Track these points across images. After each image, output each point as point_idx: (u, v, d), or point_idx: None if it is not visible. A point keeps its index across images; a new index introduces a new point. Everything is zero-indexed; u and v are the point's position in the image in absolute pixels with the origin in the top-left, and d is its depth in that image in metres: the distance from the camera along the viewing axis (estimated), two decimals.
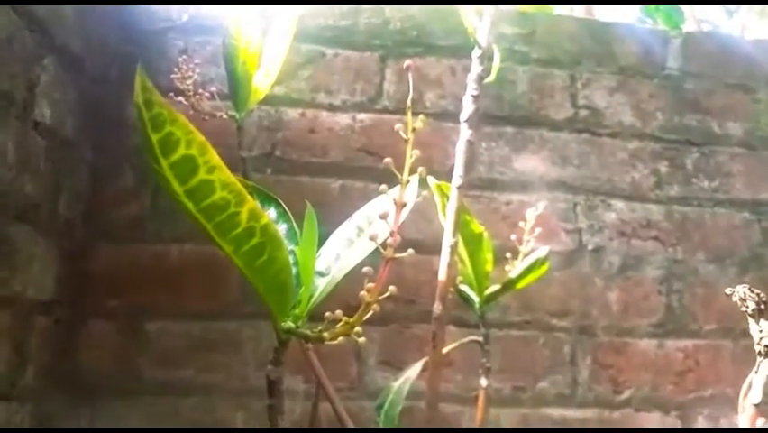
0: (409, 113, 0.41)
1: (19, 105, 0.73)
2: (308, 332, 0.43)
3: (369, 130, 1.03)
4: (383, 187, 0.42)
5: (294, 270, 0.44)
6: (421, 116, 0.41)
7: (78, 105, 0.88)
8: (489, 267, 0.75)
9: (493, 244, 0.76)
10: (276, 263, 0.41)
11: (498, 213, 1.04)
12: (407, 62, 0.45)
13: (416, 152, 0.40)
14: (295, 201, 0.53)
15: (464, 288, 0.77)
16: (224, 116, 0.74)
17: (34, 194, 0.77)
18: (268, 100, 0.94)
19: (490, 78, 0.64)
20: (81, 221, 0.91)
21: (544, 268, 0.77)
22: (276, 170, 1.00)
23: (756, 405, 0.47)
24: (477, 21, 0.64)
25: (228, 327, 0.94)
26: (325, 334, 0.42)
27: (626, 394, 1.01)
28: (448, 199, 0.65)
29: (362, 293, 0.39)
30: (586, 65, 1.11)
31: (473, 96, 0.62)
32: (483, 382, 0.76)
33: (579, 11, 1.56)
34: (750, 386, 0.48)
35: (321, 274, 0.47)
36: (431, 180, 0.74)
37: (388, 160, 0.40)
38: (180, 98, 0.73)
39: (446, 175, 0.68)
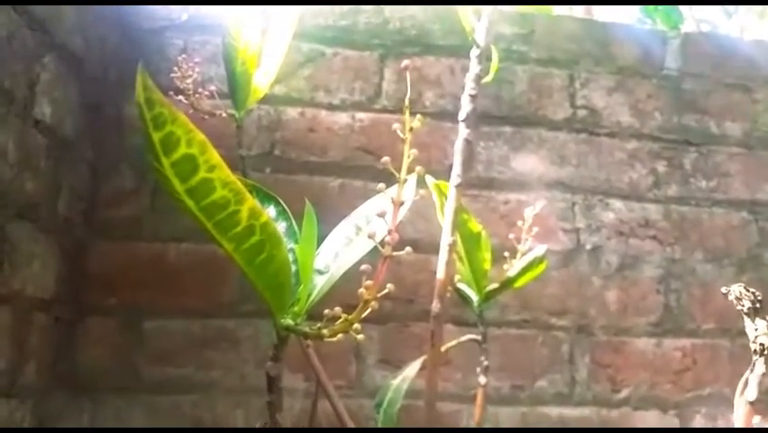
0: (407, 112, 0.41)
1: (19, 104, 0.73)
2: (307, 329, 0.43)
3: (368, 129, 1.03)
4: (381, 185, 0.43)
5: (293, 268, 0.45)
6: (419, 116, 0.41)
7: (78, 104, 0.89)
8: (487, 266, 0.75)
9: (491, 243, 0.76)
10: (275, 261, 0.41)
11: (496, 212, 1.04)
12: (405, 62, 0.45)
13: (414, 152, 0.40)
14: (294, 200, 0.53)
15: (463, 286, 0.77)
16: (224, 115, 0.74)
17: (34, 192, 0.78)
18: (267, 99, 0.94)
19: (489, 78, 0.65)
20: (81, 219, 0.92)
21: (542, 267, 0.78)
22: (275, 168, 1.00)
23: (752, 402, 0.48)
24: (475, 21, 0.64)
25: (226, 326, 0.95)
26: (324, 331, 0.42)
27: (624, 393, 1.02)
28: (446, 198, 0.65)
29: (361, 291, 0.39)
30: (584, 65, 1.11)
31: (471, 95, 0.63)
32: (482, 380, 0.76)
33: (578, 11, 1.56)
34: (746, 384, 0.48)
35: (320, 272, 0.47)
36: (429, 179, 0.74)
37: (385, 159, 0.40)
38: (180, 97, 0.73)
39: (445, 174, 0.69)
